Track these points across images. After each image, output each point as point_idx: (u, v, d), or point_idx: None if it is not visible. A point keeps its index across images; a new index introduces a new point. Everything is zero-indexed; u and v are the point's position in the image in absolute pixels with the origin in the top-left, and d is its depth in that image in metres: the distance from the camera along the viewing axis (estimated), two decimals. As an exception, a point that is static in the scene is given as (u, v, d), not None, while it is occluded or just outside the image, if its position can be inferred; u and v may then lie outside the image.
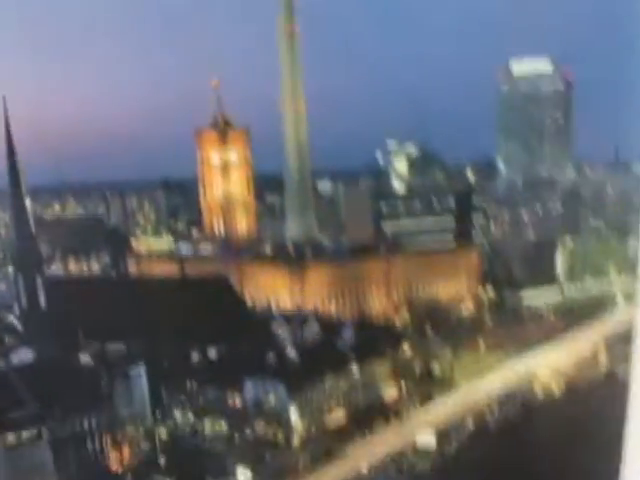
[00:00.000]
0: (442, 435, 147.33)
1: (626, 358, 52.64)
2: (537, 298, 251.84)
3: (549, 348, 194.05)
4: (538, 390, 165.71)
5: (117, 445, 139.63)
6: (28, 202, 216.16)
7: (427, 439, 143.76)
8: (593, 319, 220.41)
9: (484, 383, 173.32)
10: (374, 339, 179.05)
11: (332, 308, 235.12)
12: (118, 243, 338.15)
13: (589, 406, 71.45)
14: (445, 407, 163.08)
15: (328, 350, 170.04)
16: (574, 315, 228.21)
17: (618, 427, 58.96)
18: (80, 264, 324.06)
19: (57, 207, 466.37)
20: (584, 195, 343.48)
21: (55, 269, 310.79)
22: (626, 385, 49.99)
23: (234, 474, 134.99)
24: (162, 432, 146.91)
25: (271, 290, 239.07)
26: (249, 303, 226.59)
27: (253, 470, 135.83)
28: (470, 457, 69.04)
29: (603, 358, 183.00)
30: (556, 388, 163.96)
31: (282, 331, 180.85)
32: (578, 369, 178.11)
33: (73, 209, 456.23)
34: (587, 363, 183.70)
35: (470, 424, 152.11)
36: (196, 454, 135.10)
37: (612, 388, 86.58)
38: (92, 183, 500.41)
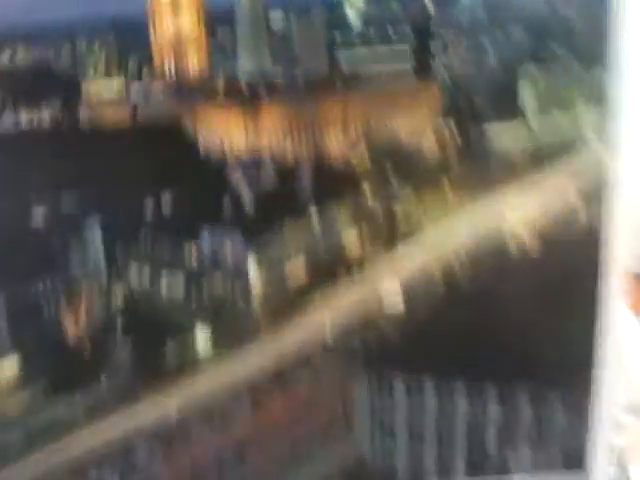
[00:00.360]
0: (409, 294, 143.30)
1: (601, 206, 47.13)
2: (503, 134, 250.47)
3: (520, 192, 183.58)
4: (510, 242, 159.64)
5: (73, 308, 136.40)
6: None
7: (393, 297, 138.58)
8: (565, 159, 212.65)
9: (452, 233, 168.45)
10: (333, 181, 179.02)
11: (288, 150, 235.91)
12: (68, 90, 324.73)
13: (564, 260, 66.45)
14: (411, 260, 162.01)
15: (285, 195, 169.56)
16: (545, 155, 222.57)
17: (596, 285, 54.91)
18: (31, 116, 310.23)
19: (6, 56, 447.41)
20: (547, 19, 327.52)
21: (5, 124, 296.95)
22: (603, 238, 44.67)
23: (193, 332, 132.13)
24: (118, 292, 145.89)
25: (224, 132, 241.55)
26: (202, 147, 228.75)
27: (212, 329, 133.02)
28: (440, 319, 64.36)
29: (578, 206, 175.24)
30: (529, 240, 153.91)
31: (237, 177, 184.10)
32: (551, 217, 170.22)
33: (23, 56, 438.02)
34: (561, 212, 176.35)
35: (439, 282, 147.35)
36: (153, 314, 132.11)
37: (589, 240, 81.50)
38: (41, 26, 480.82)
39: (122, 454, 69.13)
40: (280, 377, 77.59)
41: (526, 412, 46.69)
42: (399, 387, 47.10)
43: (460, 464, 54.77)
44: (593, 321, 46.30)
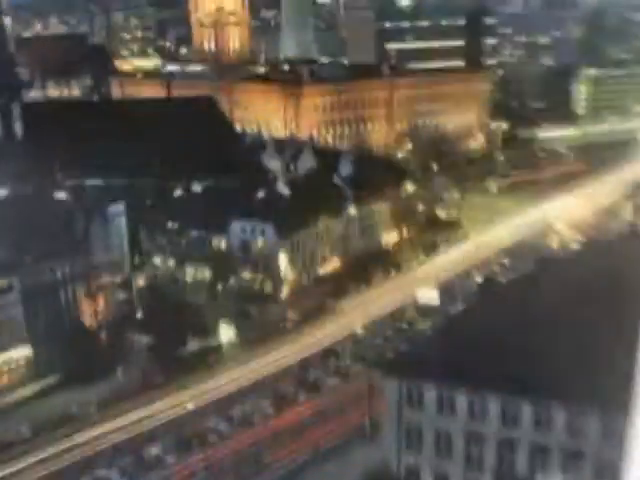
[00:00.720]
0: (446, 291, 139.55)
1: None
2: (554, 135, 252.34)
3: (567, 194, 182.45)
4: (553, 243, 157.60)
5: (91, 296, 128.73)
6: (7, 20, 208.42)
7: (429, 294, 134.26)
8: (615, 163, 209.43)
9: (494, 231, 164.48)
10: (374, 174, 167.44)
11: (329, 137, 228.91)
12: (101, 63, 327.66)
13: (608, 263, 65.47)
14: (451, 258, 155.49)
15: (323, 186, 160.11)
16: (595, 156, 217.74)
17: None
18: (61, 87, 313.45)
19: (38, 26, 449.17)
20: (608, 21, 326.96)
21: (34, 94, 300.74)
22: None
23: (216, 331, 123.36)
24: (140, 281, 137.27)
25: (263, 114, 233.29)
26: (238, 128, 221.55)
27: (237, 326, 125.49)
28: (475, 317, 63.38)
29: (625, 209, 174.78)
30: (573, 241, 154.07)
31: (273, 162, 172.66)
32: (597, 220, 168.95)
33: (55, 27, 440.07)
34: (608, 214, 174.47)
35: (477, 279, 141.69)
36: (176, 308, 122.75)
37: (635, 243, 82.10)
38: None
39: (136, 449, 68.82)
40: (306, 376, 77.37)
41: (561, 428, 46.14)
42: (430, 396, 46.86)
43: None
44: (636, 337, 45.02)
